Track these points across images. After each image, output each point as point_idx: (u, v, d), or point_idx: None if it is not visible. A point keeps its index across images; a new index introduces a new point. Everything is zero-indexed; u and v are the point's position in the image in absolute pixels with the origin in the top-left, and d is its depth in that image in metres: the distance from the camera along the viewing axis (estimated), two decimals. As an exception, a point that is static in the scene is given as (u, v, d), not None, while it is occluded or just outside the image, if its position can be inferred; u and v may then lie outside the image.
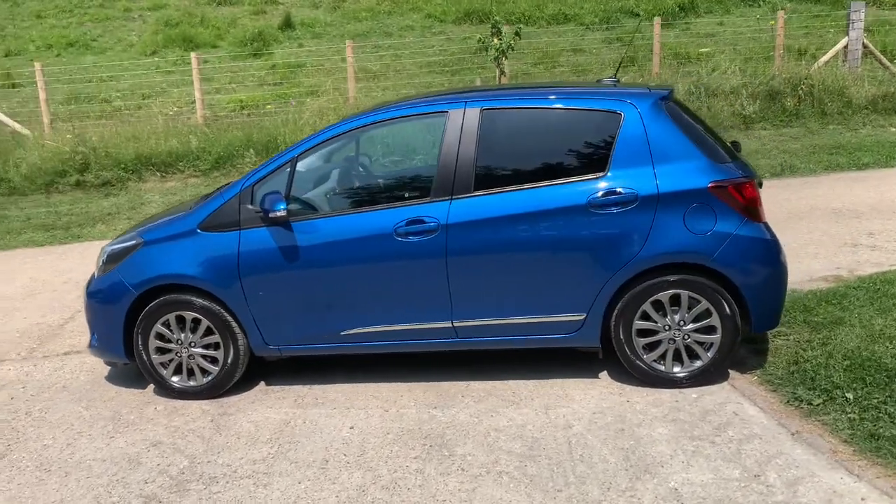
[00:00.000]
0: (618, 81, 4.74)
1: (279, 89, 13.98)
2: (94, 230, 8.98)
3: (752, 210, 4.11)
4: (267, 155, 10.77)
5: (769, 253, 4.14)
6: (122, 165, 10.62)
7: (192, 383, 4.56)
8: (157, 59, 16.49)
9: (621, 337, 4.21)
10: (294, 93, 13.46)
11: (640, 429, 3.84)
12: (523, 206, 4.15)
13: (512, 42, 10.84)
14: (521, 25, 12.26)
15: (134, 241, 4.58)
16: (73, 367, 5.17)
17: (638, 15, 17.24)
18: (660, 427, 3.84)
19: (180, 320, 4.49)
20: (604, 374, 4.47)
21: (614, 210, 4.08)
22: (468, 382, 4.51)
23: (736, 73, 11.65)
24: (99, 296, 4.58)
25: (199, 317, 4.45)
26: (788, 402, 3.97)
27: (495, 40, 10.61)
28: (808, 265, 5.98)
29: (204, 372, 4.54)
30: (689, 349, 4.21)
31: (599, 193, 4.09)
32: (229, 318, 4.43)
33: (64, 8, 20.74)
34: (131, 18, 19.87)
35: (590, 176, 4.14)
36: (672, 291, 4.13)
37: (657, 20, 12.27)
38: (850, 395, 3.86)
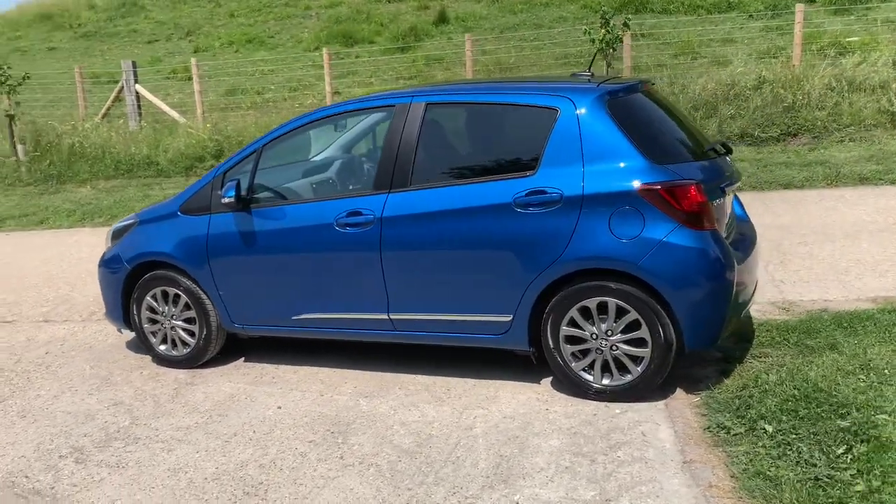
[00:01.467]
0: (592, 75, 4.50)
1: (412, 82, 14.41)
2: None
3: (690, 216, 3.77)
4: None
5: (704, 264, 3.78)
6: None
7: (174, 353, 4.99)
8: (317, 54, 17.59)
9: (550, 343, 4.05)
10: (410, 85, 13.82)
11: (535, 438, 3.69)
12: (454, 203, 4.11)
13: (620, 33, 10.40)
14: (678, 15, 11.64)
15: (132, 220, 5.09)
16: (108, 331, 5.81)
17: (813, 1, 15.78)
18: (554, 439, 3.67)
19: (165, 295, 4.93)
20: (546, 381, 4.32)
21: (538, 210, 3.93)
22: (415, 376, 4.55)
23: (888, 65, 10.35)
24: (104, 268, 5.14)
25: (180, 293, 4.86)
26: (709, 428, 3.63)
27: (602, 32, 10.24)
28: (867, 282, 5.35)
29: (184, 343, 4.95)
30: (618, 361, 3.96)
31: (524, 192, 3.96)
32: (203, 296, 4.79)
33: (254, 7, 22.70)
34: (308, 16, 21.31)
35: (519, 174, 4.01)
36: (599, 299, 3.90)
37: (799, 6, 11.17)
38: (769, 428, 3.46)
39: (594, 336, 3.96)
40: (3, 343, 5.79)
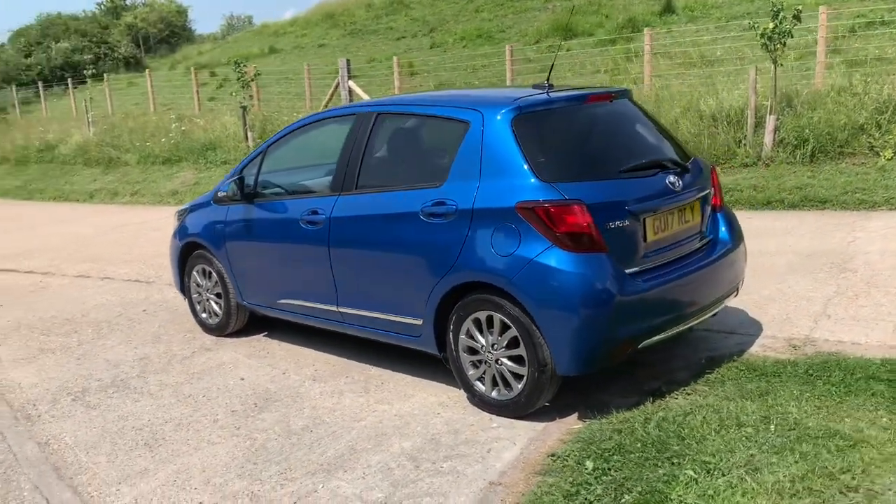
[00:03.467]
0: (551, 86, 4.42)
1: (607, 77, 14.14)
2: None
3: (565, 237, 3.66)
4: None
5: (575, 287, 3.63)
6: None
7: (209, 322, 5.83)
8: (534, 46, 17.89)
9: (452, 350, 4.16)
10: (609, 81, 13.52)
11: (396, 438, 3.87)
12: (381, 208, 4.37)
13: (790, 27, 9.32)
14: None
15: (188, 206, 6.00)
16: (198, 297, 6.85)
17: None
18: (410, 441, 3.82)
19: (203, 271, 5.77)
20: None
21: (439, 221, 4.05)
22: (368, 367, 4.88)
23: None
24: (171, 243, 6.12)
25: (212, 270, 5.67)
26: (552, 455, 3.52)
27: (770, 24, 9.27)
28: None
29: (215, 314, 5.76)
30: (504, 376, 3.96)
31: (431, 203, 4.09)
32: (225, 275, 5.54)
33: (498, 2, 23.50)
34: (545, 9, 21.58)
35: (431, 184, 4.15)
36: (487, 312, 3.93)
37: None
38: (590, 465, 3.30)
39: (483, 348, 3.99)
40: (125, 299, 7.10)
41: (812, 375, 4.02)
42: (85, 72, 24.01)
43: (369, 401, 4.38)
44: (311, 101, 15.93)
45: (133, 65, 33.90)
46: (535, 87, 4.48)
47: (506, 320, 3.84)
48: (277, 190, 5.17)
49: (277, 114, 14.94)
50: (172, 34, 40.49)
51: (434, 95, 4.82)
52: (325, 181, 4.87)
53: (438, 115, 4.30)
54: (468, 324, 4.03)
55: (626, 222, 3.81)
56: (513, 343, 3.86)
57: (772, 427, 3.40)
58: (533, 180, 3.76)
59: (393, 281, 4.33)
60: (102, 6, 41.66)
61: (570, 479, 3.24)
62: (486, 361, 4.01)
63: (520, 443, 3.71)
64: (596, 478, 3.20)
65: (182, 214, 6.03)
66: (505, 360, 3.92)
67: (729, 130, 9.91)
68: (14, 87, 26.26)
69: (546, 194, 3.71)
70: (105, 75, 24.55)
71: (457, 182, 4.02)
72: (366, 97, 14.50)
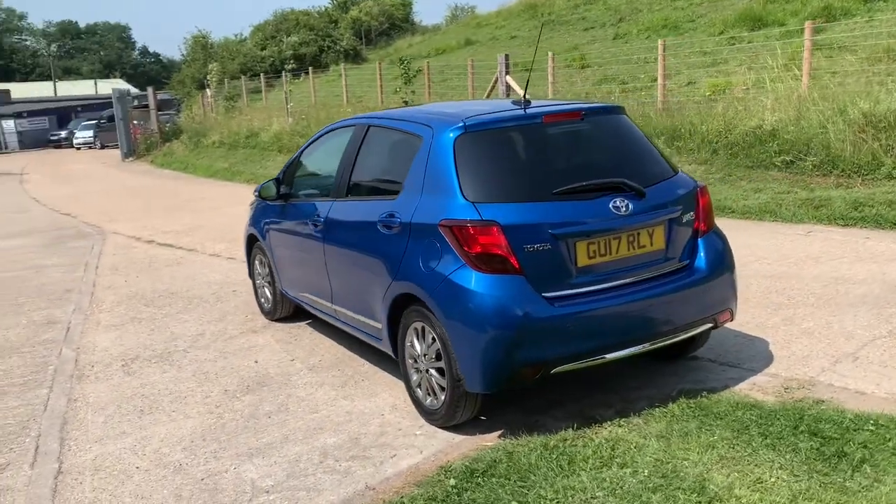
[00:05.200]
0: (528, 102, 4.42)
1: (752, 73, 13.03)
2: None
3: (475, 257, 3.70)
4: (674, 142, 10.90)
5: (479, 307, 3.66)
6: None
7: (265, 306, 6.44)
8: (720, 37, 16.87)
9: (401, 355, 4.35)
10: (752, 78, 12.45)
11: (328, 434, 4.14)
12: (356, 215, 4.66)
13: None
14: None
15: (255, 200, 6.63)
16: (282, 282, 7.53)
17: None
18: (335, 437, 4.07)
19: (260, 260, 6.39)
20: (429, 392, 4.57)
21: (389, 232, 4.24)
22: (366, 364, 5.18)
23: None
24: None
25: (265, 260, 6.27)
26: (444, 467, 3.61)
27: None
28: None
29: (268, 300, 6.36)
30: (432, 386, 4.09)
31: (385, 214, 4.30)
32: (272, 265, 6.11)
33: (695, -10, 22.32)
34: (744, -4, 20.19)
35: (390, 196, 4.34)
36: (421, 323, 4.07)
37: None
38: (452, 482, 3.37)
39: (419, 357, 4.14)
40: (228, 279, 7.97)
41: (757, 423, 3.71)
42: (285, 66, 26.27)
43: (337, 395, 4.68)
44: (472, 95, 16.31)
45: (352, 56, 36.36)
46: (514, 102, 4.49)
47: (433, 333, 3.96)
48: (306, 191, 5.60)
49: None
50: (393, 27, 42.82)
51: (412, 109, 4.97)
52: (331, 186, 5.21)
53: (404, 129, 4.47)
54: (410, 332, 4.19)
55: (548, 245, 3.75)
56: (438, 355, 3.97)
57: (646, 472, 3.24)
58: (459, 199, 3.83)
59: (361, 285, 4.58)
60: (335, 1, 45.06)
61: (431, 493, 3.34)
62: (421, 370, 4.15)
63: (426, 452, 3.83)
64: (450, 496, 3.28)
65: (252, 206, 6.68)
66: (433, 371, 4.04)
67: (879, 137, 8.86)
68: (244, 79, 29.38)
69: (465, 214, 3.77)
70: (328, 67, 26.70)
71: (406, 195, 4.19)
72: (521, 91, 14.61)
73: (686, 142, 10.73)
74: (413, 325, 4.13)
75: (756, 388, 4.28)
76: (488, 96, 15.63)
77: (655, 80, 14.73)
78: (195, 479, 3.75)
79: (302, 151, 5.72)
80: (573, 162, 4.22)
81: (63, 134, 45.30)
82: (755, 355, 4.75)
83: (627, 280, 3.97)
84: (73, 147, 41.65)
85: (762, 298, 5.80)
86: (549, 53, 14.49)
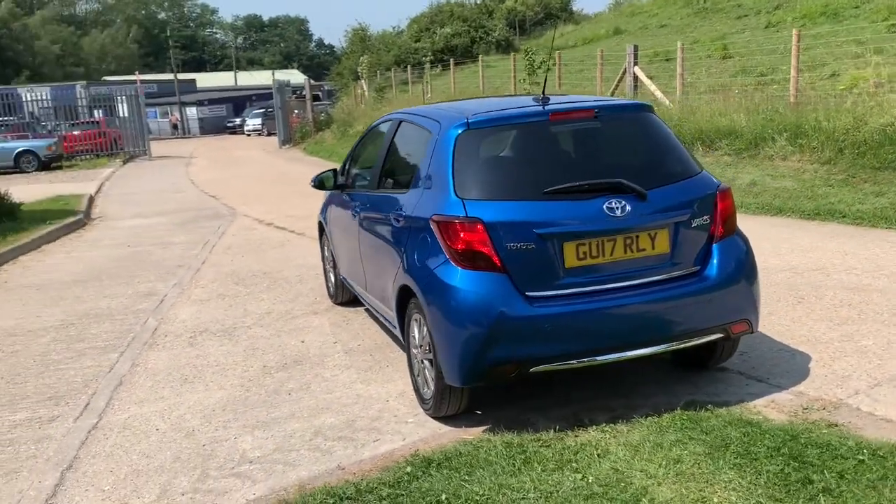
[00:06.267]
0: (547, 99, 4.37)
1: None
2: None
3: (457, 253, 3.76)
4: (797, 139, 10.22)
5: (458, 302, 3.71)
6: (680, 137, 11.73)
7: (330, 289, 6.76)
8: (883, 24, 15.50)
9: (406, 345, 4.47)
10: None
11: (328, 414, 4.35)
12: (379, 207, 4.84)
13: None
14: None
15: (327, 189, 6.95)
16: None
17: None
18: (334, 418, 4.27)
19: (326, 245, 6.72)
20: (441, 383, 4.67)
21: (398, 225, 4.38)
22: (397, 351, 5.33)
23: None
24: (319, 220, 7.17)
25: (328, 245, 6.59)
26: (410, 460, 3.71)
27: None
28: None
29: (332, 284, 6.68)
30: (426, 377, 4.18)
31: (398, 207, 4.43)
32: (333, 250, 6.42)
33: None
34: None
35: (405, 190, 4.47)
36: (419, 314, 4.18)
37: None
38: (409, 469, 3.46)
39: (417, 348, 4.25)
40: (317, 262, 8.39)
41: (741, 442, 3.51)
42: (423, 58, 26.74)
43: (357, 378, 4.88)
44: (601, 87, 15.97)
45: (504, 47, 36.43)
46: (534, 99, 4.47)
47: (426, 325, 4.06)
48: (355, 182, 5.82)
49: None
50: (549, 16, 42.45)
51: (438, 105, 5.03)
52: (370, 178, 5.40)
53: (420, 125, 4.56)
54: (412, 323, 4.30)
55: (532, 245, 3.73)
56: (430, 347, 4.06)
57: (591, 479, 3.18)
58: (451, 196, 3.89)
59: (381, 275, 4.74)
60: (493, -8, 45.27)
61: (387, 478, 3.45)
62: (419, 360, 4.26)
63: (408, 440, 3.94)
64: (401, 482, 3.38)
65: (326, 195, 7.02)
66: (426, 362, 4.14)
67: None
68: (393, 70, 30.30)
69: (453, 210, 3.83)
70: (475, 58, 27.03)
71: (414, 190, 4.30)
72: (650, 84, 14.19)
73: (809, 139, 10.00)
74: (414, 316, 4.24)
75: (772, 405, 4.03)
76: (616, 88, 15.27)
77: (799, 71, 13.77)
78: (198, 444, 4.08)
79: (358, 143, 5.95)
80: (575, 161, 4.14)
81: (237, 121, 48.78)
82: (790, 371, 4.46)
83: (623, 283, 3.86)
84: (244, 134, 44.79)
85: (829, 311, 5.39)
86: (679, 43, 13.90)
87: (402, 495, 3.24)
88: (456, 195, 3.87)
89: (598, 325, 3.76)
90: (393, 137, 4.99)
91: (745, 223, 8.38)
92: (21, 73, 73.55)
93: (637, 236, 3.86)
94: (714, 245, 4.06)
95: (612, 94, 15.23)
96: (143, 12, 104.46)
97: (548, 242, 3.74)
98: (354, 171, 5.87)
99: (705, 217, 4.03)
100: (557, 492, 3.13)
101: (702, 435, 3.60)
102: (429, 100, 21.05)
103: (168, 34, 75.77)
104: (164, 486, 3.64)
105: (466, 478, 3.31)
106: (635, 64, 14.56)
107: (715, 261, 4.02)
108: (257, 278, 7.90)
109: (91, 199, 16.19)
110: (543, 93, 4.42)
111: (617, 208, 3.81)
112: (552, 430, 3.81)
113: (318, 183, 5.93)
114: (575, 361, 3.78)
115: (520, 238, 3.73)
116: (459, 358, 3.73)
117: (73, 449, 4.13)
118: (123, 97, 29.20)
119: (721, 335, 4.05)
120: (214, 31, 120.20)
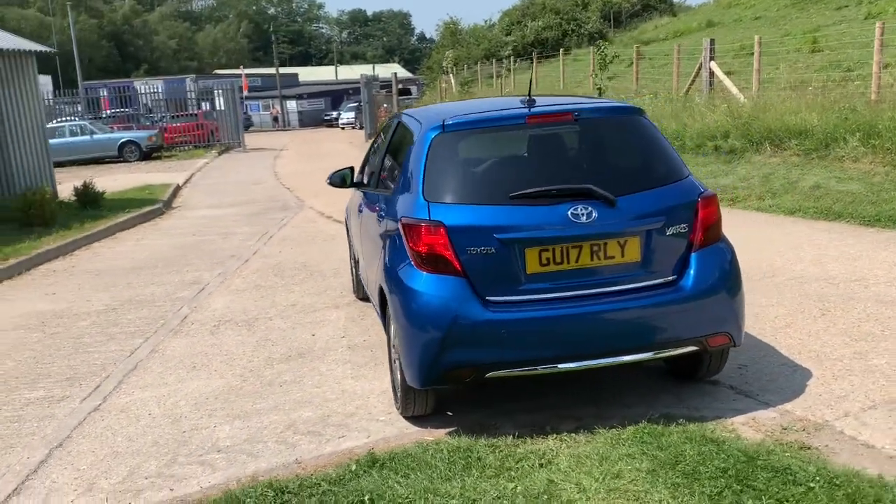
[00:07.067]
0: (532, 101, 4.31)
1: None
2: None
3: (418, 256, 3.77)
4: (869, 140, 9.65)
5: (415, 304, 3.72)
6: (749, 136, 11.29)
7: (353, 284, 6.89)
8: None
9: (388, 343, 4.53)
10: None
11: (306, 408, 4.46)
12: (373, 207, 4.92)
13: None
14: None
15: (355, 187, 7.08)
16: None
17: None
18: (311, 412, 4.38)
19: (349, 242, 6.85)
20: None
21: (380, 225, 4.44)
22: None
23: None
24: (350, 216, 7.30)
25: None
26: (370, 451, 3.77)
27: None
28: None
29: (354, 278, 6.80)
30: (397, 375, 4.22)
31: (381, 207, 4.50)
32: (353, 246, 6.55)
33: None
34: None
35: (389, 190, 4.52)
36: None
37: None
38: (353, 467, 3.52)
39: (392, 347, 4.30)
40: (354, 256, 8.55)
41: (692, 460, 3.37)
42: (504, 52, 26.51)
43: (349, 374, 4.96)
44: (677, 82, 15.48)
45: (596, 40, 35.81)
46: (521, 100, 4.42)
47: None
48: (366, 180, 5.90)
49: (625, 96, 14.95)
50: (646, 7, 41.38)
51: (431, 106, 5.02)
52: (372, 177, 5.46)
53: (407, 126, 4.59)
54: (390, 322, 4.35)
55: (493, 250, 3.70)
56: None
57: (520, 488, 3.15)
58: (419, 198, 3.91)
59: (370, 273, 4.81)
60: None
61: (333, 474, 3.52)
62: (394, 359, 4.30)
63: (372, 438, 3.99)
64: (342, 479, 3.44)
65: (355, 192, 7.15)
66: (397, 362, 4.17)
67: None
68: (479, 64, 30.32)
69: (419, 213, 3.84)
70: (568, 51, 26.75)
71: (395, 191, 4.34)
72: (725, 80, 13.67)
73: (882, 140, 9.40)
74: (389, 315, 4.28)
75: (751, 422, 3.86)
76: (692, 83, 14.80)
77: (887, 66, 12.96)
78: (180, 431, 4.27)
79: (374, 141, 6.03)
80: (547, 166, 4.06)
81: (334, 115, 49.99)
82: (785, 387, 4.25)
83: (590, 291, 3.78)
84: (339, 127, 45.86)
85: (852, 326, 5.08)
86: (756, 38, 13.30)
87: (334, 493, 3.30)
88: (424, 198, 3.88)
89: (558, 332, 3.70)
90: (391, 137, 5.04)
91: (795, 228, 8.10)
92: (140, 66, 77.97)
93: (605, 243, 3.77)
94: (693, 254, 3.91)
95: (687, 91, 14.77)
96: (254, 8, 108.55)
97: (509, 248, 3.70)
98: (367, 168, 5.96)
99: (683, 225, 3.89)
100: (481, 500, 3.11)
101: (656, 450, 3.48)
102: (507, 93, 20.94)
103: (272, 29, 78.25)
104: (133, 469, 3.84)
105: (400, 480, 3.34)
106: (711, 59, 14.04)
107: (692, 270, 3.88)
108: (297, 270, 8.13)
109: (177, 189, 17.01)
110: (530, 93, 4.36)
111: (582, 214, 3.73)
112: (511, 436, 3.78)
113: (336, 180, 6.02)
114: (535, 368, 3.74)
115: (481, 242, 3.70)
116: (417, 360, 3.75)
117: (68, 429, 4.39)
118: (220, 91, 30.43)
119: (696, 348, 3.90)
120: (320, 25, 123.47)
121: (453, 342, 3.66)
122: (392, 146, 4.99)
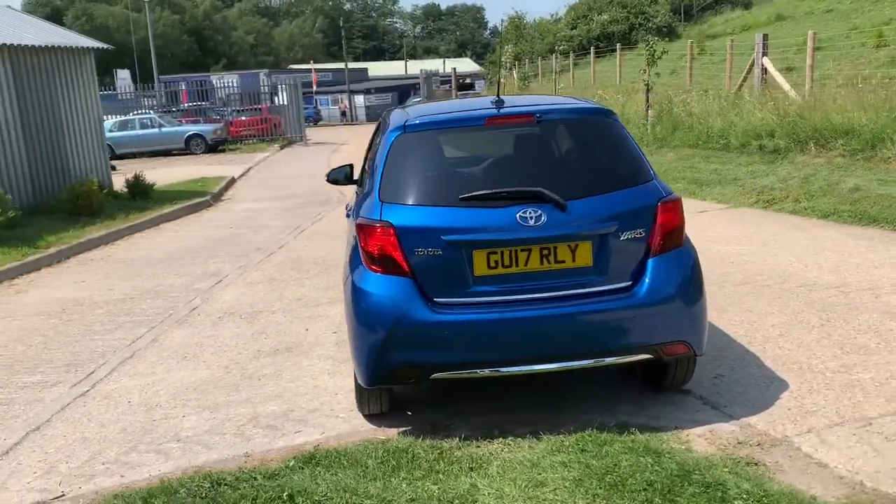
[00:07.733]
0: (501, 102, 4.26)
1: None
2: (712, 191, 10.33)
3: (369, 256, 3.79)
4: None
5: (362, 303, 3.75)
6: (794, 135, 10.88)
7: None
8: None
9: (356, 342, 4.56)
10: None
11: (272, 401, 4.55)
12: (353, 207, 4.93)
13: None
14: None
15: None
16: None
17: None
18: (275, 407, 4.46)
19: (359, 238, 6.92)
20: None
21: (349, 225, 4.47)
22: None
23: None
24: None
25: (359, 239, 6.78)
26: (316, 447, 3.82)
27: None
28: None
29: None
30: (357, 374, 4.25)
31: (354, 206, 4.53)
32: (358, 244, 6.61)
33: None
34: None
35: (363, 191, 4.55)
36: (363, 317, 4.25)
37: None
38: (292, 463, 3.57)
39: (355, 346, 4.33)
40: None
41: (623, 471, 3.30)
42: (556, 48, 26.12)
43: (326, 371, 5.02)
44: (730, 78, 15.00)
45: (665, 33, 35.02)
46: (492, 101, 4.38)
47: (350, 324, 4.13)
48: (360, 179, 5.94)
49: (674, 93, 14.58)
50: (718, 0, 40.23)
51: (410, 106, 4.99)
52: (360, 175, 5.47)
53: (383, 125, 4.60)
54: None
55: (440, 251, 3.68)
56: (356, 346, 4.13)
57: (438, 490, 3.14)
58: (375, 199, 3.93)
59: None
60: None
61: (270, 470, 3.58)
62: (356, 358, 4.33)
63: (326, 434, 4.03)
64: (277, 474, 3.50)
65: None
66: (355, 361, 4.21)
67: None
68: (540, 59, 30.05)
69: (371, 214, 3.86)
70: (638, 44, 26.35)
71: (365, 191, 4.36)
72: (778, 76, 13.22)
73: (931, 141, 8.92)
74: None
75: (708, 435, 3.75)
76: (744, 80, 14.34)
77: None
78: (149, 419, 4.41)
79: (372, 139, 6.06)
80: (501, 168, 4.01)
81: (399, 109, 50.30)
82: (754, 400, 4.10)
83: (539, 295, 3.73)
84: (404, 121, 46.21)
85: (848, 337, 4.86)
86: (810, 33, 12.78)
87: (263, 487, 3.36)
88: (379, 199, 3.90)
89: (503, 335, 3.66)
90: (372, 137, 5.06)
91: (822, 232, 7.77)
92: (219, 61, 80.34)
93: (555, 247, 3.71)
94: (650, 259, 3.81)
95: (739, 88, 14.31)
96: (330, 3, 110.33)
97: (457, 249, 3.68)
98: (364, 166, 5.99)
99: (640, 230, 3.79)
100: (395, 501, 3.11)
101: (592, 459, 3.42)
102: (560, 90, 20.71)
103: (341, 24, 79.37)
104: (93, 455, 3.99)
105: (328, 477, 3.37)
106: (764, 54, 13.56)
107: (649, 276, 3.77)
108: (314, 265, 8.25)
109: (230, 182, 17.46)
110: (499, 94, 4.32)
111: (531, 217, 3.68)
112: (458, 439, 3.77)
113: (336, 177, 6.08)
114: (480, 371, 3.72)
115: (429, 244, 3.70)
116: (364, 359, 3.77)
117: (50, 413, 4.59)
118: (284, 85, 31.05)
119: (650, 356, 3.80)
120: (394, 20, 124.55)
121: (397, 342, 3.67)
122: (372, 145, 5.02)
